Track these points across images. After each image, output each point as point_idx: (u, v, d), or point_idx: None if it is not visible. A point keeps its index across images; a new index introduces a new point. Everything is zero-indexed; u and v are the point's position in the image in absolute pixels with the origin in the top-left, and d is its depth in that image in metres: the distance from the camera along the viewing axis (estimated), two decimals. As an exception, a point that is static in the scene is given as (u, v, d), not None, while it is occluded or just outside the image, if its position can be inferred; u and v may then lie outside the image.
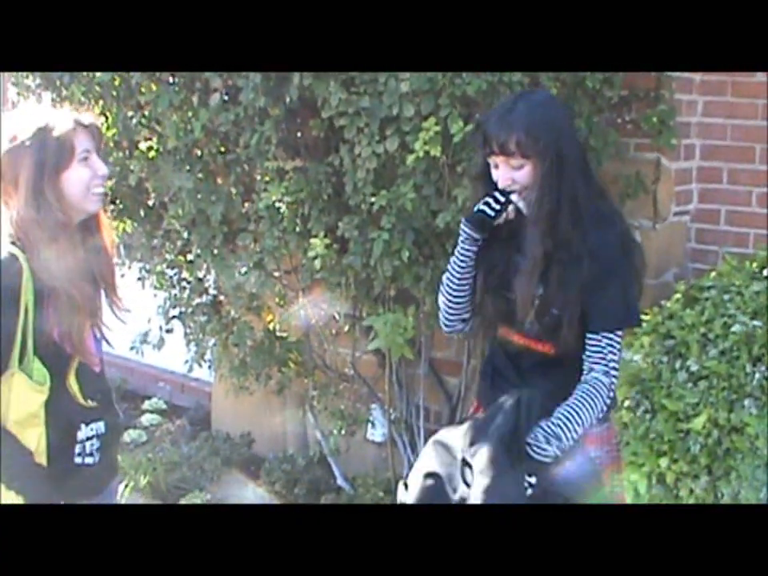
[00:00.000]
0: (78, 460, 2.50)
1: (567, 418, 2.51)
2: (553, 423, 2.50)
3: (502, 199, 2.60)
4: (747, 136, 4.17)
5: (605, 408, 2.56)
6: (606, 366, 2.55)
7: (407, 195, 3.47)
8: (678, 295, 3.66)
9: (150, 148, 4.36)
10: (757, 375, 3.22)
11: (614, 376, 2.56)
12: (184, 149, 4.12)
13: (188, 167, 4.14)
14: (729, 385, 3.24)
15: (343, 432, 4.41)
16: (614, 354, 2.56)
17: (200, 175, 4.12)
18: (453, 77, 3.41)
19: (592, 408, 2.52)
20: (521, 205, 2.61)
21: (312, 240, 3.69)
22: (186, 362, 4.69)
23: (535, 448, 2.49)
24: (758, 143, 4.15)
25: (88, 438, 2.52)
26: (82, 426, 2.50)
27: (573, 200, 2.54)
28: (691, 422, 3.23)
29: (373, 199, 3.57)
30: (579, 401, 2.53)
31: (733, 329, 3.33)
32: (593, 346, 2.56)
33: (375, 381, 4.43)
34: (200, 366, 4.70)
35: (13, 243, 2.37)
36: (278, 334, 4.39)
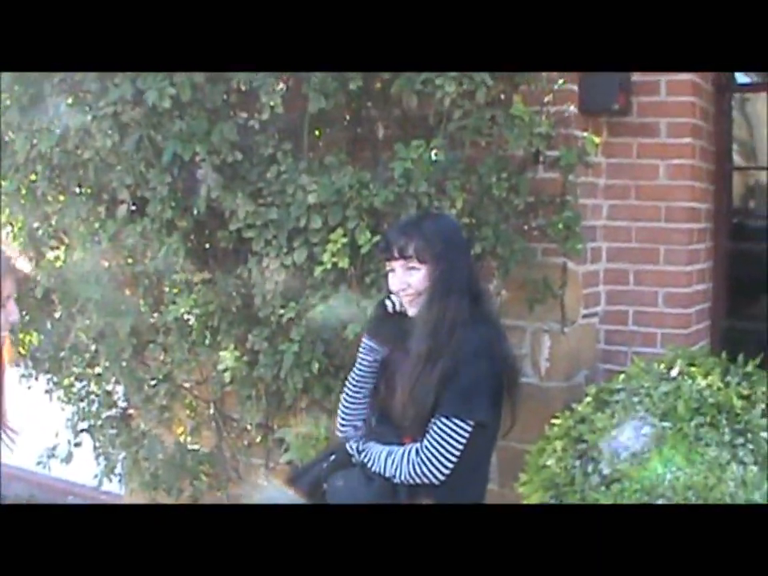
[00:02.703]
0: None
1: (379, 451, 2.84)
2: (366, 446, 2.90)
3: (389, 304, 2.92)
4: (651, 238, 4.26)
5: (405, 475, 2.77)
6: (422, 443, 2.75)
7: (316, 307, 3.46)
8: (589, 398, 3.67)
9: (56, 258, 4.30)
10: (668, 476, 3.23)
11: (428, 457, 2.74)
12: (91, 260, 4.07)
13: (95, 279, 4.09)
14: (641, 487, 3.24)
15: (258, 544, 4.32)
16: (439, 439, 2.73)
17: (108, 287, 4.06)
18: (360, 188, 3.44)
19: (392, 462, 2.79)
20: (411, 311, 2.87)
21: (221, 353, 3.65)
22: (96, 476, 4.58)
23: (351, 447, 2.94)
24: (662, 244, 4.24)
25: None
26: None
27: (457, 307, 2.79)
28: (605, 525, 3.22)
29: (282, 311, 3.55)
30: (390, 450, 2.82)
31: (643, 431, 3.35)
32: (428, 427, 2.76)
33: (290, 491, 4.35)
34: (110, 480, 4.58)
35: None
36: (189, 446, 4.32)
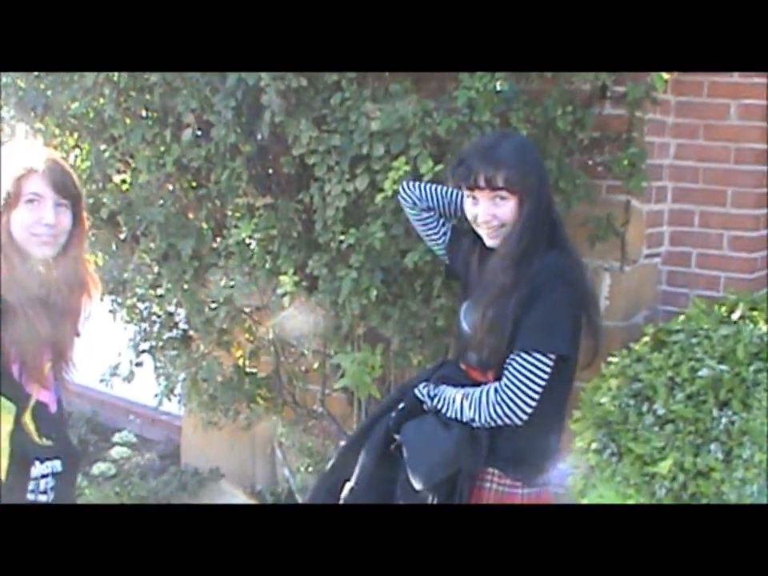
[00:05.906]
0: (30, 497, 2.49)
1: (453, 394, 2.70)
2: (437, 390, 2.76)
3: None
4: (719, 179, 4.19)
5: (485, 417, 2.62)
6: (501, 382, 2.61)
7: (376, 234, 3.47)
8: (647, 338, 3.65)
9: (123, 181, 4.37)
10: (723, 420, 3.20)
11: (508, 396, 2.60)
12: (156, 183, 4.13)
13: (160, 201, 4.14)
14: (695, 429, 3.23)
15: (311, 469, 4.40)
16: (519, 375, 2.59)
17: (172, 210, 4.11)
18: (423, 116, 3.42)
19: (469, 404, 2.64)
20: (490, 242, 2.73)
21: (281, 277, 3.67)
22: (156, 395, 4.67)
23: (421, 392, 2.79)
24: (729, 187, 4.17)
25: (43, 476, 2.51)
26: (37, 462, 2.50)
27: (538, 237, 2.66)
28: (657, 465, 3.21)
29: (342, 237, 3.57)
30: (465, 393, 2.68)
31: (700, 373, 3.32)
32: (506, 363, 2.62)
33: (344, 418, 4.38)
34: (170, 400, 4.67)
35: None
36: (247, 369, 4.38)
